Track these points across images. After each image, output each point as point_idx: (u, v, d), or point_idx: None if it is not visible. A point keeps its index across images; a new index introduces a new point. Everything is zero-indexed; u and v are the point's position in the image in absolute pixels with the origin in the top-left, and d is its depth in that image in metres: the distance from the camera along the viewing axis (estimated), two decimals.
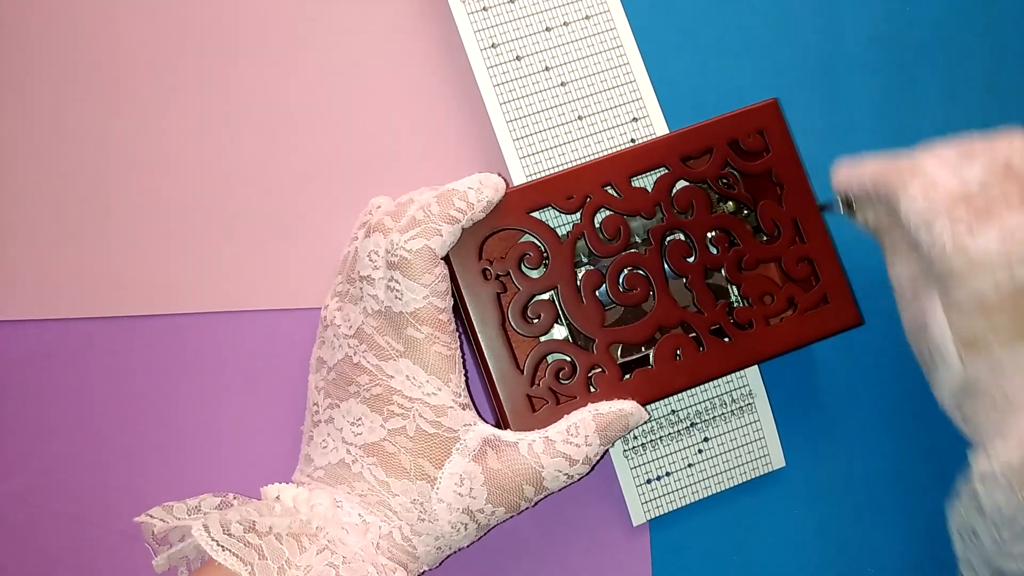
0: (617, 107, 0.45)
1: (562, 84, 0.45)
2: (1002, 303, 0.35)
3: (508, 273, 0.39)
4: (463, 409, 0.37)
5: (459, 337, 0.39)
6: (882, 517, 0.46)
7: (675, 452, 0.44)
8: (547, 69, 0.45)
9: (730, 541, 0.45)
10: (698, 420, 0.44)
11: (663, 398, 0.40)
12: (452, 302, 0.38)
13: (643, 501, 0.44)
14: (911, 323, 0.39)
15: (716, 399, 0.45)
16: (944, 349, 0.37)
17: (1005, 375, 0.35)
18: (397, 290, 0.37)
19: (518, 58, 0.44)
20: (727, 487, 0.44)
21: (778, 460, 0.45)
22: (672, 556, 0.44)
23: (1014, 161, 0.36)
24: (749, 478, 0.45)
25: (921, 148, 0.39)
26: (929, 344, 0.38)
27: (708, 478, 0.44)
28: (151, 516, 0.37)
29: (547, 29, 0.45)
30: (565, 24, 0.45)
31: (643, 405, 0.39)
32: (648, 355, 0.40)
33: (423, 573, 0.38)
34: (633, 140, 0.45)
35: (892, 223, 0.41)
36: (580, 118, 0.45)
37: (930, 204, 0.36)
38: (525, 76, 0.44)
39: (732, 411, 0.45)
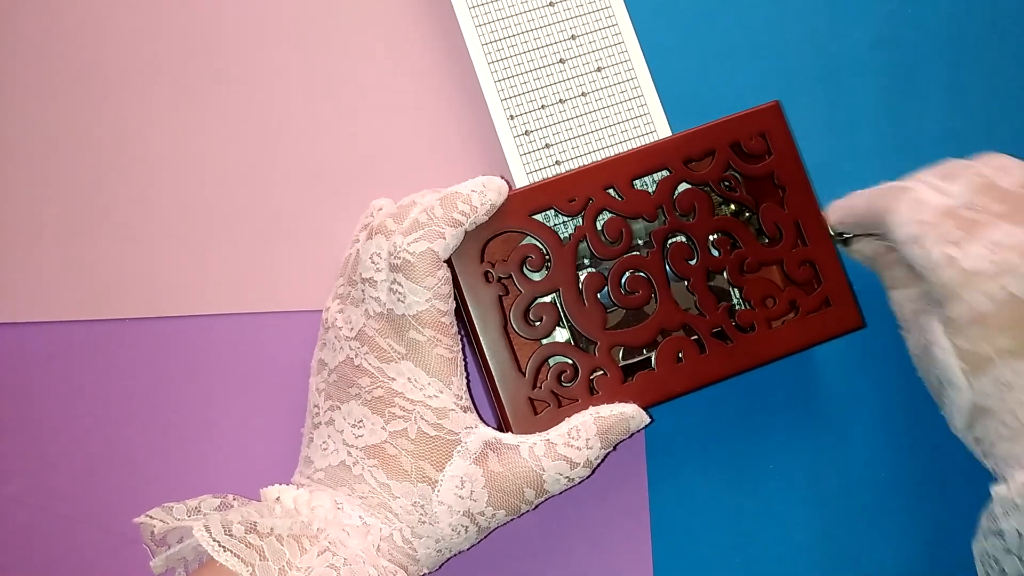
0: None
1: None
2: (998, 315, 0.35)
3: (510, 276, 0.39)
4: (464, 412, 0.37)
5: (461, 339, 0.38)
6: (882, 518, 0.46)
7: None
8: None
9: (731, 541, 0.45)
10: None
11: (665, 401, 0.40)
12: (454, 305, 0.38)
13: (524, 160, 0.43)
14: (916, 349, 0.40)
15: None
16: (949, 370, 0.37)
17: (1012, 392, 0.35)
18: (400, 293, 0.37)
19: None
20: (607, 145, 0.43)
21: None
22: (673, 557, 0.45)
23: (994, 177, 0.38)
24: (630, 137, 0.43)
25: (908, 174, 0.40)
26: (935, 366, 0.38)
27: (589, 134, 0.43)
28: (150, 517, 0.36)
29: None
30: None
31: (645, 408, 0.39)
32: (650, 358, 0.40)
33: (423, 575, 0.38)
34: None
35: (887, 250, 0.42)
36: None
37: (918, 221, 0.37)
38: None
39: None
